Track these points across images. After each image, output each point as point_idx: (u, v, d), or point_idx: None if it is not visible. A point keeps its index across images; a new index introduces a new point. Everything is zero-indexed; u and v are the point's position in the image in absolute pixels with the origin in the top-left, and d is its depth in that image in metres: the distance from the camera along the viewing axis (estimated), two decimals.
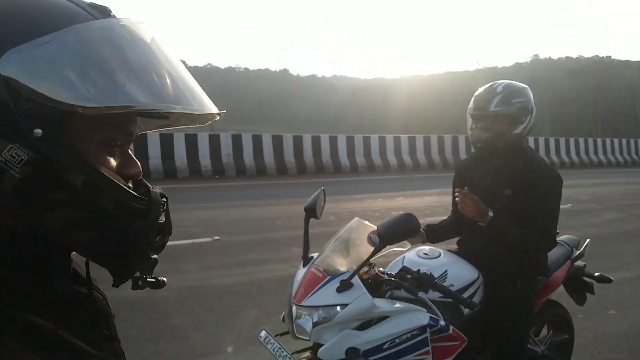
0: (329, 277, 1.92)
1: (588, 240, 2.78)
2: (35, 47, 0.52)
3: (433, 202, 8.67)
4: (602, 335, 3.62)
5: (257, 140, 13.05)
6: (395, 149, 15.03)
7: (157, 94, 0.56)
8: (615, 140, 20.58)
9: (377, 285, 2.01)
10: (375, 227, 2.03)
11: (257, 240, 5.96)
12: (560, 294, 2.68)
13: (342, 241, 2.12)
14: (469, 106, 2.34)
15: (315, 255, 2.11)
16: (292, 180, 12.12)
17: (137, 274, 0.65)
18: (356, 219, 2.18)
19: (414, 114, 65.25)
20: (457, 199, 2.24)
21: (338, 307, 1.84)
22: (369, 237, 2.02)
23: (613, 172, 16.99)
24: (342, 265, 2.01)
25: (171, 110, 0.57)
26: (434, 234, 2.51)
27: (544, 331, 2.72)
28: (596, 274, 2.72)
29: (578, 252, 2.69)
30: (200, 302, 4.06)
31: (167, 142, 11.64)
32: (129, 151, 0.64)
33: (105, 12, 0.60)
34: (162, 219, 0.64)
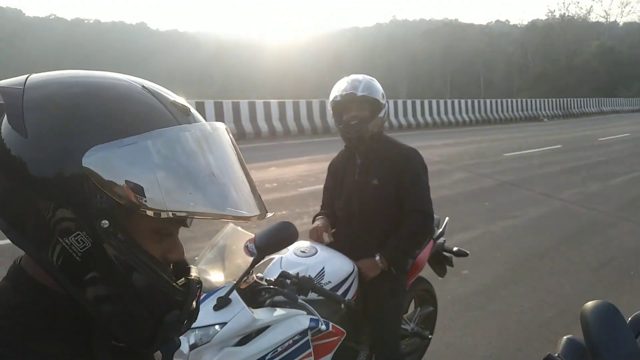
0: (204, 295, 1.82)
1: (447, 218, 3.03)
2: (118, 147, 0.56)
3: (304, 171, 8.83)
4: (457, 296, 4.05)
5: None
6: (265, 115, 14.92)
7: (217, 203, 0.60)
8: (462, 101, 22.86)
9: (255, 294, 1.96)
10: (251, 235, 1.97)
11: None
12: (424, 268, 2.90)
13: (217, 251, 2.02)
14: (332, 97, 2.37)
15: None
16: None
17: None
18: (230, 225, 2.08)
19: (281, 73, 65.16)
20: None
21: (217, 326, 1.76)
22: (246, 247, 1.95)
23: (461, 131, 18.91)
24: (219, 278, 1.92)
25: (224, 219, 0.62)
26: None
27: (411, 307, 2.94)
28: (454, 248, 2.98)
29: (439, 230, 2.92)
30: None
31: None
32: (176, 235, 0.68)
33: (185, 111, 0.65)
34: (193, 305, 0.68)
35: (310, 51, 70.65)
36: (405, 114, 19.47)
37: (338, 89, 2.36)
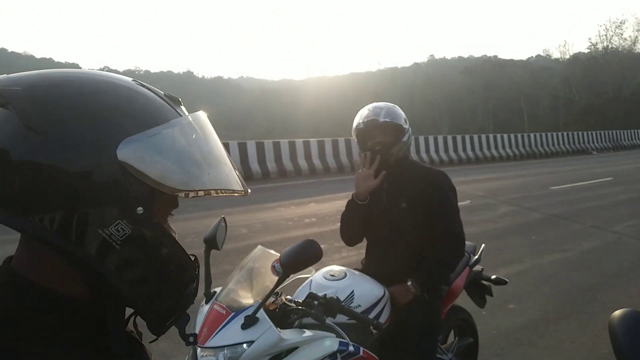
0: (233, 314, 1.82)
1: (483, 245, 2.93)
2: (147, 138, 0.61)
3: (343, 206, 8.79)
4: (504, 331, 3.84)
5: None
6: (305, 153, 15.13)
7: (227, 180, 0.69)
8: (505, 136, 22.41)
9: (284, 315, 1.94)
10: (278, 255, 1.97)
11: None
12: (462, 299, 2.79)
13: (245, 272, 2.02)
14: (355, 125, 2.39)
15: (218, 290, 2.00)
16: None
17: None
18: (259, 247, 2.09)
19: (322, 114, 66.32)
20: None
21: (245, 345, 1.74)
22: (273, 266, 1.94)
23: (505, 166, 18.46)
24: (247, 298, 1.92)
25: (232, 194, 0.70)
26: None
27: (450, 337, 2.82)
28: (493, 276, 2.87)
29: (475, 257, 2.82)
30: None
31: None
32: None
33: (178, 103, 0.71)
34: None
35: (349, 92, 71.74)
36: (446, 150, 19.26)
37: (360, 116, 2.39)
